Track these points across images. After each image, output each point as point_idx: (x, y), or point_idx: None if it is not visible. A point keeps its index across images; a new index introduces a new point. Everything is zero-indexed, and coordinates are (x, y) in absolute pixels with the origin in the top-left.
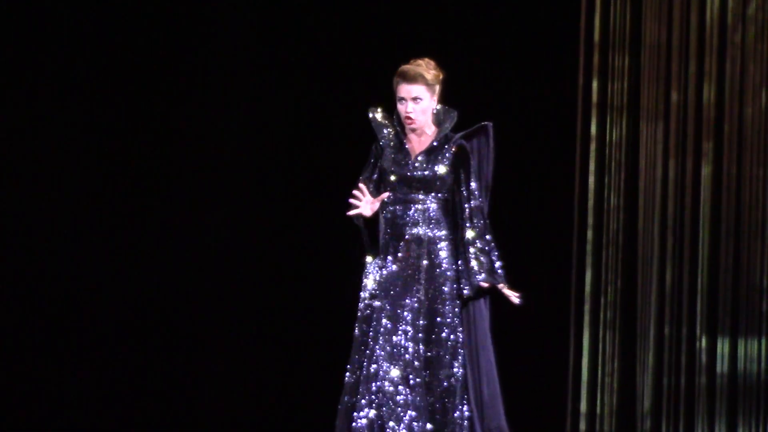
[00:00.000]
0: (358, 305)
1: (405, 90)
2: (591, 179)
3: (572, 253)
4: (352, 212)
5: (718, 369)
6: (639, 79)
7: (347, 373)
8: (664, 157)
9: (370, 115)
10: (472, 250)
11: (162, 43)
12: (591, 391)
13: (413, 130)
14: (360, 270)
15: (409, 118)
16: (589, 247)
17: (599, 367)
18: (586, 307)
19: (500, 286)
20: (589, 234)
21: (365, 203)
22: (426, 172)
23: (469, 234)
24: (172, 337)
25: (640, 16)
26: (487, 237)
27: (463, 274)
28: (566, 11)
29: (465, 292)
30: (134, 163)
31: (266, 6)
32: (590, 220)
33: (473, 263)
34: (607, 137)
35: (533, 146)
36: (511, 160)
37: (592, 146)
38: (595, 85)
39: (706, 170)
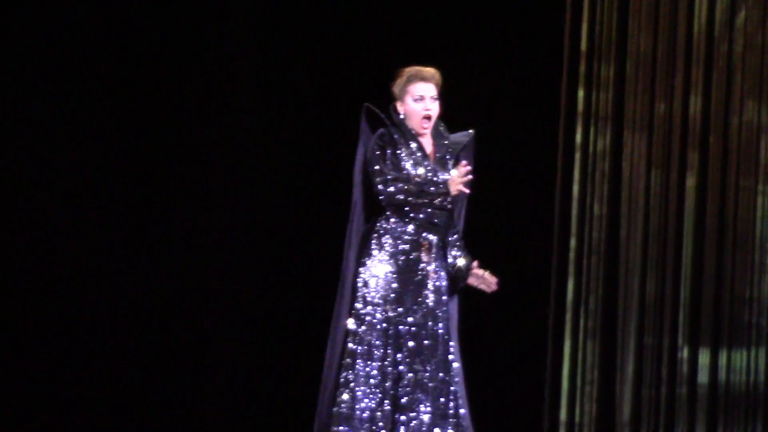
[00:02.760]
0: (359, 312)
1: (424, 88)
2: (575, 188)
3: (554, 262)
4: None
5: (699, 380)
6: (624, 88)
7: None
8: (648, 167)
9: (374, 109)
10: (458, 245)
11: (169, 44)
12: (570, 399)
13: (425, 132)
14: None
15: (429, 117)
16: (571, 256)
17: (579, 376)
18: (568, 316)
19: (475, 264)
20: (572, 242)
21: None
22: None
23: (456, 235)
24: (173, 340)
25: (627, 25)
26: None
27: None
28: (552, 19)
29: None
30: (140, 164)
31: (271, 5)
32: (573, 229)
33: (461, 253)
34: (592, 146)
35: (517, 154)
36: (494, 167)
37: (577, 155)
38: (580, 94)
39: (690, 181)
